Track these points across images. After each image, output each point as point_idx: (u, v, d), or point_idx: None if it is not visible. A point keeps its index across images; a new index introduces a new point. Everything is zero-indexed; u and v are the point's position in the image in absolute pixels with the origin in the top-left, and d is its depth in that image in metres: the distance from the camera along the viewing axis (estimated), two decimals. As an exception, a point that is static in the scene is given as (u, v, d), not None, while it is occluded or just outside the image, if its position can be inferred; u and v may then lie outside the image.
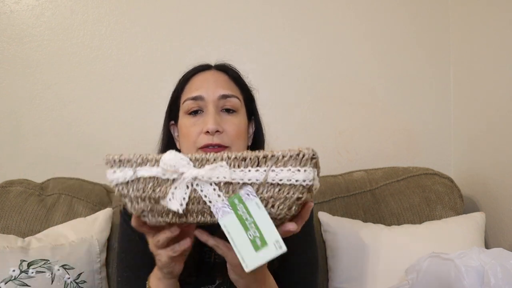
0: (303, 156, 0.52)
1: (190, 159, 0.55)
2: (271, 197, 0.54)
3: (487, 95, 1.40)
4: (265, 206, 0.55)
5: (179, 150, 0.92)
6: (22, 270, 1.06)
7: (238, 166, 0.54)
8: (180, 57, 1.51)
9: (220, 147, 0.82)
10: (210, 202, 0.54)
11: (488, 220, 1.31)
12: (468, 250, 0.94)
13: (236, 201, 0.53)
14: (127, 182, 0.57)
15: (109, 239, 1.22)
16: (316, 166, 0.54)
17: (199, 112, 0.87)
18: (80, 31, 1.49)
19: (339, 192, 1.35)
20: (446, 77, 1.59)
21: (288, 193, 0.53)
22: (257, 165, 0.54)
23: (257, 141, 0.97)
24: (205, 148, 0.82)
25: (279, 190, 0.53)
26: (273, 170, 0.53)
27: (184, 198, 0.54)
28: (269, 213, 0.54)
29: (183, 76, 0.95)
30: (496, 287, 0.84)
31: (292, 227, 0.56)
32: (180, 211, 0.54)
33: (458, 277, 0.90)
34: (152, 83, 1.50)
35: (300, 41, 1.56)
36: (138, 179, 0.57)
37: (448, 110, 1.60)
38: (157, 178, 0.57)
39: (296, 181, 0.52)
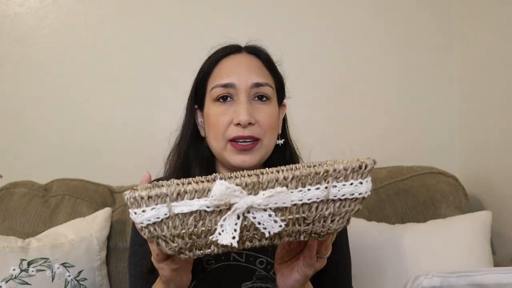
0: (365, 167, 0.50)
1: (241, 186, 0.48)
2: (330, 213, 0.51)
3: (491, 93, 1.39)
4: (324, 222, 0.52)
5: (203, 138, 0.86)
6: (22, 269, 1.06)
7: (296, 187, 0.50)
8: (184, 58, 1.50)
9: (252, 140, 0.79)
10: (265, 228, 0.50)
11: (493, 218, 1.30)
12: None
13: None
14: (161, 221, 0.49)
15: (109, 238, 1.22)
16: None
17: (228, 99, 0.80)
18: (84, 32, 1.49)
19: (342, 191, 1.34)
20: (450, 75, 1.58)
21: (349, 207, 0.51)
22: (317, 182, 0.50)
23: (284, 129, 0.92)
24: (235, 140, 0.78)
25: (340, 205, 0.51)
26: (334, 186, 0.50)
27: (235, 230, 0.49)
28: (328, 229, 0.52)
29: (210, 57, 0.87)
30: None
31: None
32: (234, 244, 0.48)
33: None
34: (156, 84, 1.51)
35: (301, 42, 1.55)
36: (176, 215, 0.49)
37: (452, 109, 1.59)
38: (200, 211, 0.49)
39: (359, 194, 0.50)
